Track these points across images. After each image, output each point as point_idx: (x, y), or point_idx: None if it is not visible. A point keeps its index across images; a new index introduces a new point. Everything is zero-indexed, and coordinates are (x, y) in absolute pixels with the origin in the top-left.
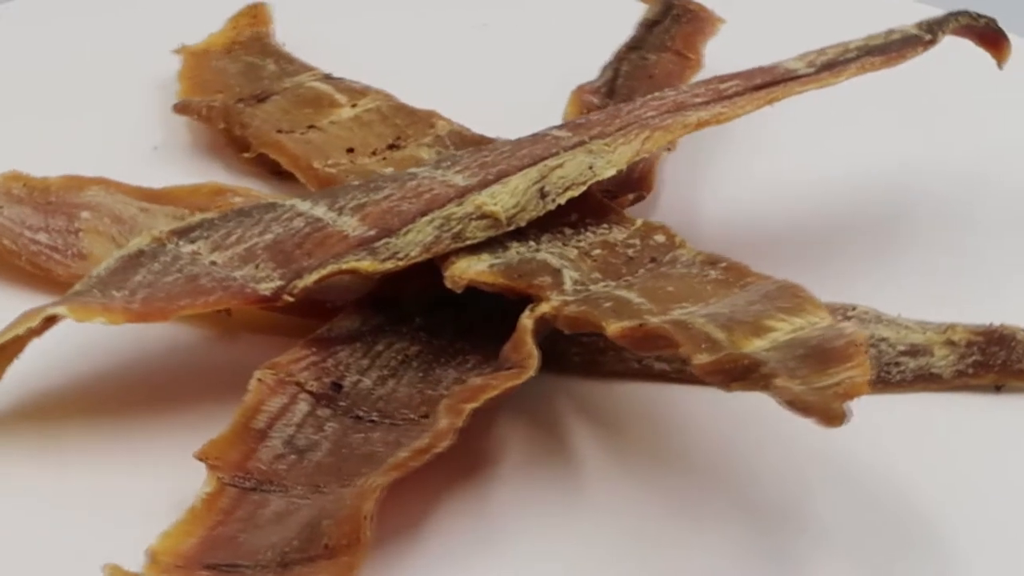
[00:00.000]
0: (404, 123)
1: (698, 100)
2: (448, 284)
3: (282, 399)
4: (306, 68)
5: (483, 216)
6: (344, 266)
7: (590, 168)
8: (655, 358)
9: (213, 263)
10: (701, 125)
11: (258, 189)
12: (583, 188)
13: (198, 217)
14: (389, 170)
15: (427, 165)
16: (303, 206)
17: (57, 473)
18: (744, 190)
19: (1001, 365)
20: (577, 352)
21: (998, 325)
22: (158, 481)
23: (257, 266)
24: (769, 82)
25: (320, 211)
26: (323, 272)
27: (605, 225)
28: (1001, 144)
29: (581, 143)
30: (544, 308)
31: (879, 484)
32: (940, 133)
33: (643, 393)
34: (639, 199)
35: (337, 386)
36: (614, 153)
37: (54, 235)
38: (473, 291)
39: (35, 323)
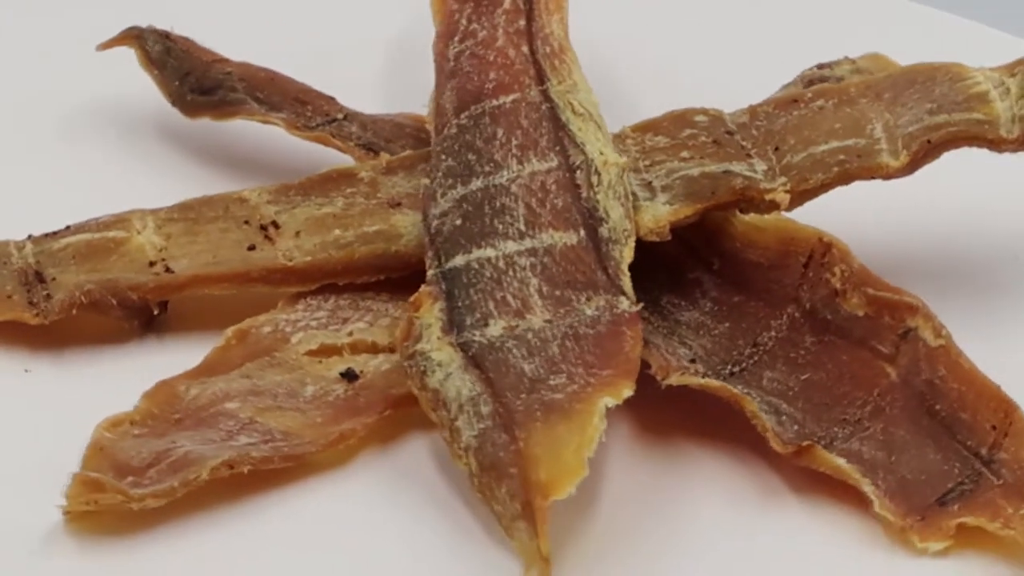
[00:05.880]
0: (220, 213)
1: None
2: (654, 238)
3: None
4: (12, 246)
5: (623, 169)
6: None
7: (588, 99)
8: None
9: (548, 322)
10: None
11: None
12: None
13: (430, 313)
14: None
15: (443, 188)
16: (490, 252)
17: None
18: None
19: None
20: None
21: None
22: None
23: (586, 300)
24: None
25: (511, 246)
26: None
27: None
28: None
29: (546, 90)
30: (780, 196)
31: None
32: None
33: None
34: None
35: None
36: (576, 83)
37: (250, 434)
38: None
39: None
